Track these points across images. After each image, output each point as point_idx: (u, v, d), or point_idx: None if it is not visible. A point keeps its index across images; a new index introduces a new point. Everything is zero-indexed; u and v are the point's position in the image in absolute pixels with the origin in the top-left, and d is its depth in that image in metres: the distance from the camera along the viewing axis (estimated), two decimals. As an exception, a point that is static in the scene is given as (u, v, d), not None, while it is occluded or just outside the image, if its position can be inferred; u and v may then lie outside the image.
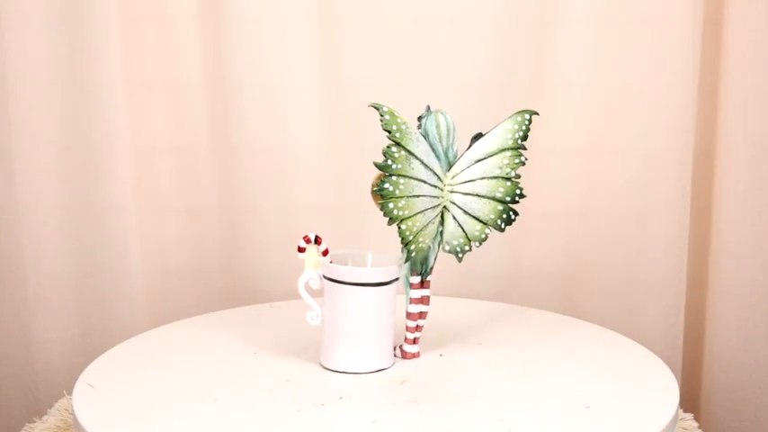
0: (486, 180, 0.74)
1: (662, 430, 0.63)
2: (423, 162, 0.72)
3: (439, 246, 0.76)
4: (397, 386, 0.73)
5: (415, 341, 0.79)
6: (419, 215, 0.72)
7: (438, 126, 0.74)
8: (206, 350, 0.82)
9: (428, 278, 0.78)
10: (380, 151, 0.79)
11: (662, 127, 1.01)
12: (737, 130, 0.97)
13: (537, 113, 0.77)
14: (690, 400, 1.07)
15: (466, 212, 0.75)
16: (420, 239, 0.73)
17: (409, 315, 0.78)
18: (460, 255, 0.76)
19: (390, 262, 0.76)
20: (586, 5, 1.02)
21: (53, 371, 1.04)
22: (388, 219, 0.71)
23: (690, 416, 0.84)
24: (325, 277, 0.75)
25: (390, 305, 0.75)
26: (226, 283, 1.11)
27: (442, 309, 0.98)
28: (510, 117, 0.76)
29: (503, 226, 0.76)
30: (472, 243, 0.76)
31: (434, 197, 0.74)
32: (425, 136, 0.73)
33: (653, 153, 1.02)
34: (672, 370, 0.77)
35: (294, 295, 1.06)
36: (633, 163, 1.03)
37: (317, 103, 1.06)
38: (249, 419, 0.65)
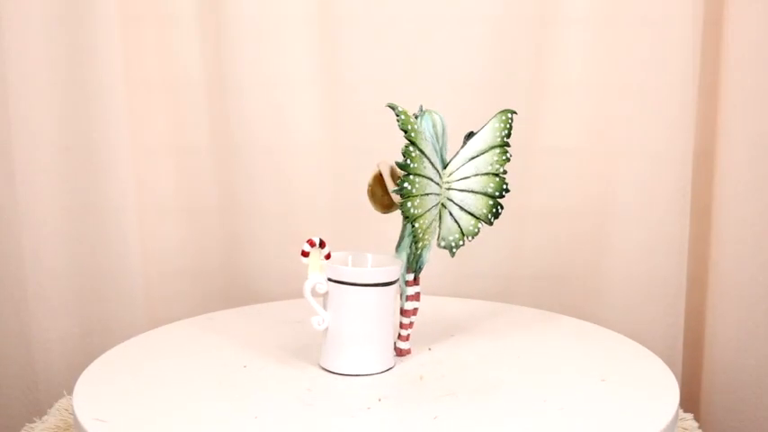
0: (479, 176, 0.77)
1: (662, 430, 0.63)
2: (430, 161, 0.74)
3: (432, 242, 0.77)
4: (421, 382, 0.73)
5: (407, 338, 0.79)
6: (428, 213, 0.74)
7: (434, 125, 0.75)
8: (206, 350, 0.82)
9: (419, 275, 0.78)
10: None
11: (662, 127, 1.01)
12: (737, 130, 0.97)
13: (516, 112, 0.79)
14: (690, 400, 1.07)
15: (462, 208, 0.77)
16: (427, 237, 0.75)
17: (404, 312, 0.78)
18: (454, 249, 0.77)
19: (391, 262, 0.76)
20: (586, 5, 1.02)
21: (53, 371, 1.04)
22: (405, 217, 0.72)
23: (690, 416, 0.84)
24: (328, 279, 0.75)
25: (392, 305, 0.75)
26: (226, 284, 1.11)
27: (442, 309, 0.98)
28: (495, 116, 0.78)
29: (492, 220, 0.78)
30: (466, 237, 0.77)
31: (437, 194, 0.75)
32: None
33: (653, 153, 1.02)
34: (672, 370, 0.77)
35: (293, 296, 1.07)
36: (633, 163, 1.03)
37: (317, 103, 1.06)
38: (250, 419, 0.65)
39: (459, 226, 0.77)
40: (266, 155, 1.06)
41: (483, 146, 0.77)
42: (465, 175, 0.77)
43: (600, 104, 1.04)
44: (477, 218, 0.77)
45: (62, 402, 0.85)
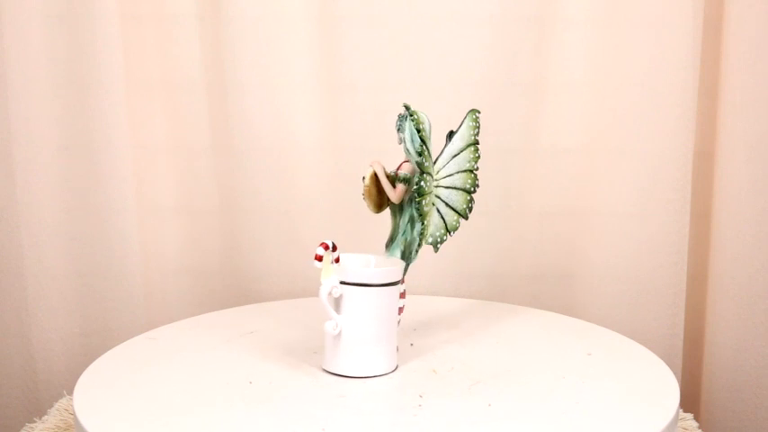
0: (460, 173, 0.79)
1: (662, 430, 0.63)
2: (431, 159, 0.76)
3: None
4: (438, 376, 0.74)
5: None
6: (431, 209, 0.77)
7: (424, 124, 0.76)
8: (206, 350, 0.82)
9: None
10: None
11: (662, 127, 1.01)
12: (737, 131, 0.97)
13: (479, 112, 0.80)
14: (690, 400, 1.07)
15: (447, 204, 0.79)
16: (429, 233, 0.77)
17: None
18: (439, 245, 0.79)
19: (392, 261, 0.76)
20: (586, 5, 1.02)
21: (53, 371, 1.04)
22: (419, 215, 0.74)
23: (690, 416, 0.84)
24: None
25: (396, 306, 0.75)
26: (226, 284, 1.11)
27: (442, 308, 0.98)
28: (468, 115, 0.80)
29: (468, 214, 0.80)
30: (449, 233, 0.79)
31: (432, 192, 0.77)
32: (413, 135, 0.76)
33: (653, 153, 1.02)
34: (672, 370, 0.77)
35: (293, 295, 1.07)
36: (633, 163, 1.03)
37: (317, 102, 1.06)
38: (251, 420, 0.65)
39: (445, 222, 0.79)
40: (266, 155, 1.06)
41: (461, 144, 0.79)
42: (450, 173, 0.79)
43: (600, 105, 1.04)
44: (459, 213, 0.79)
45: (62, 402, 0.85)
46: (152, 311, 1.08)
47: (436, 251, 0.79)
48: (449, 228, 0.79)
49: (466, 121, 0.79)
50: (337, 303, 0.74)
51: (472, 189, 0.79)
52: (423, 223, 0.75)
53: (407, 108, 0.74)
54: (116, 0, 1.00)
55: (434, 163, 0.78)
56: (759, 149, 0.96)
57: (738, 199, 0.98)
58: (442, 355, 0.80)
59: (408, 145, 0.74)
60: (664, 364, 0.78)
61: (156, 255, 1.09)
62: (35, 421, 0.84)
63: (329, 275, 0.73)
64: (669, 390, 0.71)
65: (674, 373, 0.76)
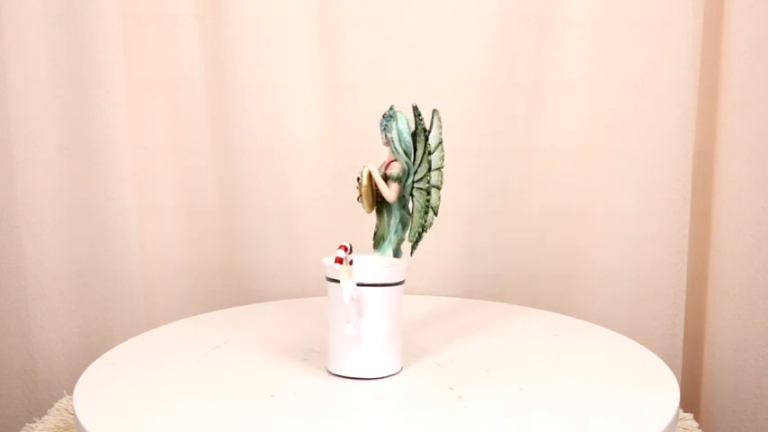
0: (434, 171, 0.78)
1: (662, 430, 0.63)
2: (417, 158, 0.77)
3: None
4: (443, 368, 0.74)
5: None
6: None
7: (408, 124, 0.76)
8: (206, 350, 0.82)
9: None
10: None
11: (662, 127, 1.01)
12: (737, 130, 0.97)
13: (437, 110, 0.78)
14: (690, 400, 1.07)
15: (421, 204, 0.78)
16: (428, 226, 0.78)
17: None
18: (419, 243, 0.79)
19: (394, 262, 0.76)
20: (586, 6, 1.02)
21: (53, 371, 1.04)
22: (433, 212, 0.76)
23: (690, 416, 0.84)
24: (328, 279, 0.74)
25: (401, 306, 0.75)
26: (226, 284, 1.11)
27: (442, 308, 0.98)
28: (434, 116, 0.78)
29: (437, 211, 0.78)
30: (425, 231, 0.78)
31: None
32: (401, 134, 0.76)
33: (653, 153, 1.02)
34: (672, 370, 0.77)
35: (293, 295, 1.07)
36: (633, 163, 1.03)
37: (317, 103, 1.06)
38: (253, 420, 0.65)
39: (425, 220, 0.78)
40: (266, 155, 1.06)
41: (435, 142, 0.78)
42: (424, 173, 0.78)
43: (600, 104, 1.04)
44: (434, 211, 0.78)
45: (62, 402, 0.85)
46: (152, 311, 1.08)
47: (413, 251, 0.78)
48: (426, 227, 0.78)
49: (434, 120, 0.78)
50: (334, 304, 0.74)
51: (441, 186, 0.78)
52: (425, 219, 0.75)
53: (415, 108, 0.75)
54: (116, 0, 1.00)
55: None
56: (759, 149, 0.96)
57: (738, 199, 0.98)
58: (442, 355, 0.80)
59: (397, 144, 0.75)
60: (664, 364, 0.78)
61: (156, 255, 1.09)
62: (35, 421, 0.84)
63: (349, 278, 0.72)
64: (669, 390, 0.71)
65: (674, 373, 0.76)
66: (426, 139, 0.75)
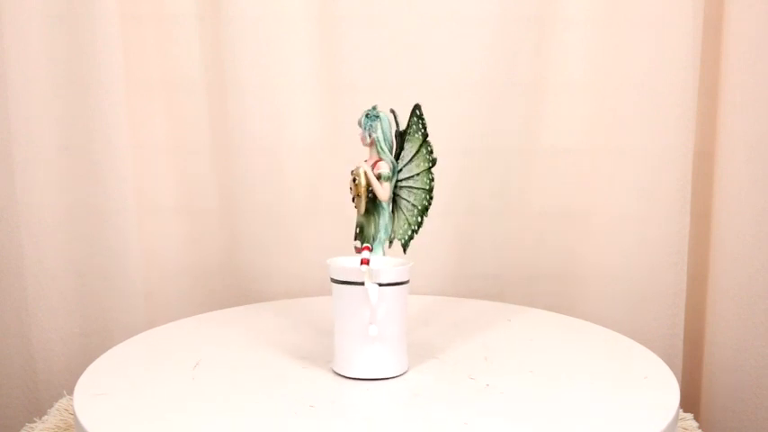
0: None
1: (662, 430, 0.63)
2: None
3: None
4: (472, 368, 0.75)
5: None
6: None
7: (390, 125, 0.77)
8: (206, 350, 0.82)
9: None
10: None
11: (662, 127, 1.01)
12: (737, 131, 0.97)
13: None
14: (690, 400, 1.07)
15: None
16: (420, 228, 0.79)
17: None
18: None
19: (401, 261, 0.76)
20: (586, 6, 1.02)
21: (53, 371, 1.04)
22: (424, 210, 0.76)
23: (690, 416, 0.84)
24: (336, 280, 0.73)
25: (406, 305, 0.75)
26: (225, 284, 1.11)
27: (442, 308, 0.98)
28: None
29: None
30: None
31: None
32: (385, 134, 0.77)
33: (653, 153, 1.02)
34: (672, 370, 0.77)
35: (293, 295, 1.07)
36: (633, 163, 1.03)
37: (317, 102, 1.06)
38: (254, 421, 0.65)
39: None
40: (266, 155, 1.06)
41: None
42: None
43: (600, 104, 1.04)
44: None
45: (62, 402, 0.85)
46: (152, 311, 1.08)
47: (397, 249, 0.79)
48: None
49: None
50: (342, 303, 0.73)
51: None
52: (420, 218, 0.76)
53: (419, 106, 0.75)
54: (116, 0, 1.00)
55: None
56: (759, 149, 0.96)
57: (738, 199, 0.98)
58: (442, 354, 0.80)
59: (383, 144, 0.75)
60: (664, 364, 0.78)
61: (156, 255, 1.09)
62: (35, 421, 0.84)
63: (371, 279, 0.71)
64: (669, 390, 0.71)
65: (674, 373, 0.76)
66: (425, 137, 0.75)
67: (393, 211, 0.78)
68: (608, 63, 1.03)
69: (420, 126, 0.76)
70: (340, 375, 0.74)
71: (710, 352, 1.03)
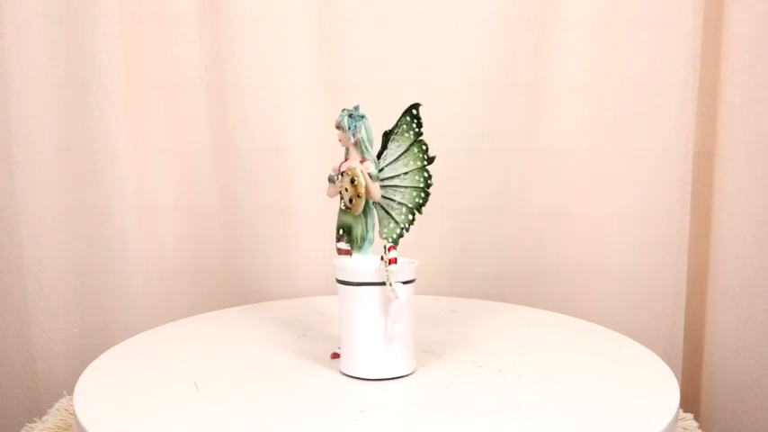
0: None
1: (662, 430, 0.63)
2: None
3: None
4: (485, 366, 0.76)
5: None
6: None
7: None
8: (206, 350, 0.82)
9: None
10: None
11: (662, 127, 1.01)
12: (737, 131, 0.97)
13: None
14: (690, 400, 1.07)
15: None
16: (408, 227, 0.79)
17: None
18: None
19: (409, 260, 0.76)
20: (586, 6, 1.02)
21: (53, 371, 1.04)
22: (419, 211, 0.76)
23: (690, 416, 0.84)
24: (341, 281, 0.73)
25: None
26: (225, 284, 1.11)
27: (441, 309, 0.98)
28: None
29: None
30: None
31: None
32: (368, 133, 0.76)
33: (653, 153, 1.02)
34: (672, 370, 0.77)
35: (293, 295, 1.07)
36: (633, 162, 1.03)
37: (317, 103, 1.06)
38: (255, 421, 0.65)
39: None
40: (266, 155, 1.06)
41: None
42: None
43: (600, 104, 1.04)
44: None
45: (62, 402, 0.85)
46: (152, 311, 1.08)
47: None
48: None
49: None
50: (348, 303, 0.73)
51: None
52: (411, 217, 0.77)
53: (417, 106, 0.75)
54: (116, 0, 1.00)
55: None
56: (759, 149, 0.96)
57: (738, 199, 0.98)
58: (444, 354, 0.80)
59: (368, 144, 0.75)
60: (664, 364, 0.78)
61: (156, 255, 1.09)
62: (35, 421, 0.84)
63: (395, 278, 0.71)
64: (669, 390, 0.71)
65: (674, 373, 0.76)
66: (419, 135, 0.75)
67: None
68: (608, 63, 1.03)
69: (413, 125, 0.76)
70: (349, 376, 0.74)
71: (710, 352, 1.03)
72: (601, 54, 1.03)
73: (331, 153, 1.07)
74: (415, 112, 0.76)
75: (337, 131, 0.76)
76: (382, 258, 0.71)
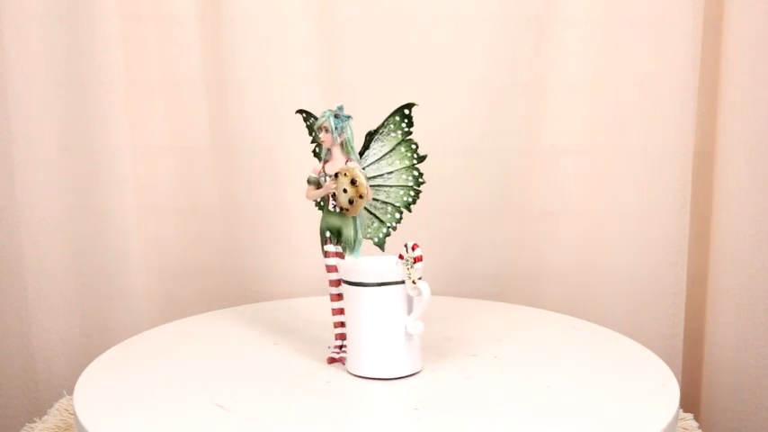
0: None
1: (662, 430, 0.63)
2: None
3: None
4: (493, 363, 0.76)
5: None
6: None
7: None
8: (206, 350, 0.82)
9: None
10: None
11: (662, 127, 1.01)
12: (737, 131, 0.97)
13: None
14: (690, 400, 1.07)
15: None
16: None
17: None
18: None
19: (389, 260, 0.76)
20: (586, 6, 1.02)
21: (53, 371, 1.04)
22: (408, 210, 0.77)
23: (690, 416, 0.84)
24: (355, 283, 0.73)
25: None
26: (225, 283, 1.11)
27: (441, 308, 0.98)
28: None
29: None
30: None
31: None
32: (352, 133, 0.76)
33: (653, 153, 1.02)
34: (672, 370, 0.77)
35: (293, 295, 1.07)
36: (633, 162, 1.03)
37: (317, 102, 1.06)
38: (255, 421, 0.65)
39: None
40: (266, 155, 1.06)
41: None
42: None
43: (600, 104, 1.04)
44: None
45: (62, 402, 0.85)
46: (152, 311, 1.08)
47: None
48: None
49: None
50: (356, 302, 0.73)
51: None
52: (398, 217, 0.77)
53: (411, 106, 0.75)
54: (116, 0, 1.00)
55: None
56: (759, 149, 0.96)
57: (738, 199, 0.98)
58: (445, 354, 0.80)
59: (354, 143, 0.75)
60: (664, 364, 0.78)
61: (156, 255, 1.09)
62: (35, 421, 0.84)
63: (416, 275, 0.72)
64: (669, 390, 0.71)
65: (674, 373, 0.76)
66: (408, 134, 0.75)
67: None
68: (608, 63, 1.03)
69: (402, 125, 0.76)
70: (359, 376, 0.74)
71: (710, 352, 1.03)
72: (601, 54, 1.03)
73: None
74: (407, 111, 0.75)
75: (320, 133, 0.75)
76: (401, 257, 0.72)
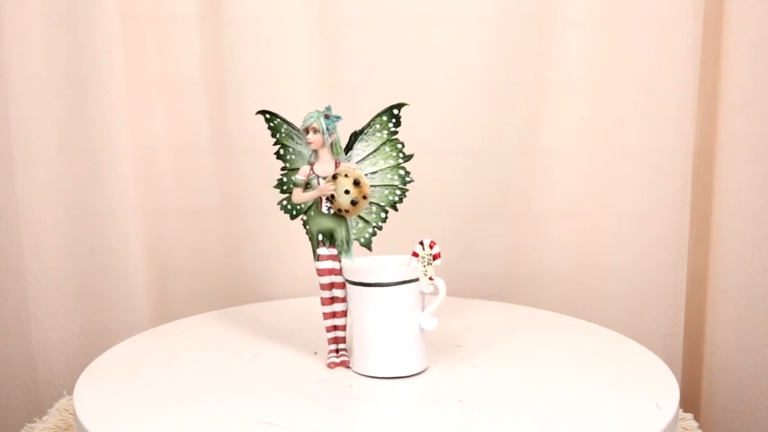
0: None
1: (662, 430, 0.63)
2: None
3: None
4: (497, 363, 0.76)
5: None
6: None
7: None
8: (206, 349, 0.82)
9: None
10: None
11: (662, 127, 1.01)
12: (737, 131, 0.97)
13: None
14: (690, 400, 1.07)
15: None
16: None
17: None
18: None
19: (400, 262, 0.76)
20: (586, 6, 1.02)
21: (53, 371, 1.04)
22: (394, 208, 0.77)
23: (690, 416, 0.84)
24: (372, 284, 0.73)
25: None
26: (225, 283, 1.11)
27: (441, 308, 0.97)
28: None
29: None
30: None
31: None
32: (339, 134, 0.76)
33: (653, 153, 1.02)
34: (672, 370, 0.77)
35: (293, 295, 1.07)
36: (633, 163, 1.03)
37: (317, 102, 1.06)
38: (255, 421, 0.65)
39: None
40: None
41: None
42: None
43: (600, 105, 1.04)
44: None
45: (62, 402, 0.85)
46: (152, 311, 1.08)
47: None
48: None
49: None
50: (362, 302, 0.73)
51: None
52: (384, 217, 0.77)
53: (401, 106, 0.74)
54: (116, 0, 1.00)
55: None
56: (759, 149, 0.96)
57: (738, 199, 0.98)
58: (446, 354, 0.80)
59: (342, 143, 0.75)
60: (664, 364, 0.78)
61: (156, 255, 1.09)
62: (35, 421, 0.84)
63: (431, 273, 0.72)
64: (669, 390, 0.71)
65: (674, 373, 0.76)
66: (394, 133, 0.75)
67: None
68: (608, 63, 1.03)
69: (389, 125, 0.75)
70: (366, 376, 0.74)
71: (710, 352, 1.03)
72: (601, 54, 1.03)
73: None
74: (396, 111, 0.75)
75: (309, 134, 0.74)
76: (415, 254, 0.72)
